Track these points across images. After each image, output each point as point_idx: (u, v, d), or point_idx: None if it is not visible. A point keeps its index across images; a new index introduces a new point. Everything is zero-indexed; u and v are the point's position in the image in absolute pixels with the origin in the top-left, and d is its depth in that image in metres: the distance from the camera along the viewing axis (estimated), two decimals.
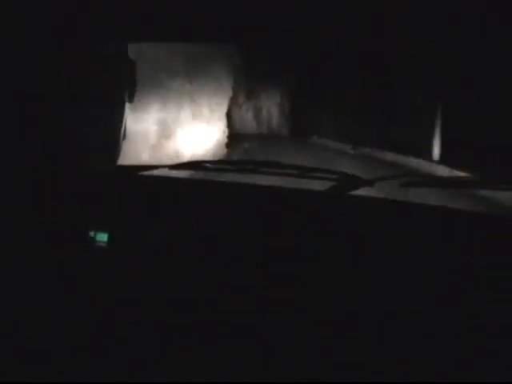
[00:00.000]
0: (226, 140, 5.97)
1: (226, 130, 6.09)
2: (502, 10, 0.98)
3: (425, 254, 1.01)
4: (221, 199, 1.22)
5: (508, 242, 1.01)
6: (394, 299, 0.99)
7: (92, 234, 1.16)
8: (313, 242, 1.07)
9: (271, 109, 10.07)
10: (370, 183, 1.25)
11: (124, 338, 1.05)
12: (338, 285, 1.01)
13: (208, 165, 1.39)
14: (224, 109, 5.94)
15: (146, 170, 1.37)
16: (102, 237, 1.15)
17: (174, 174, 1.43)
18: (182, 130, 5.08)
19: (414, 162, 6.99)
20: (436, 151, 7.11)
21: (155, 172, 1.38)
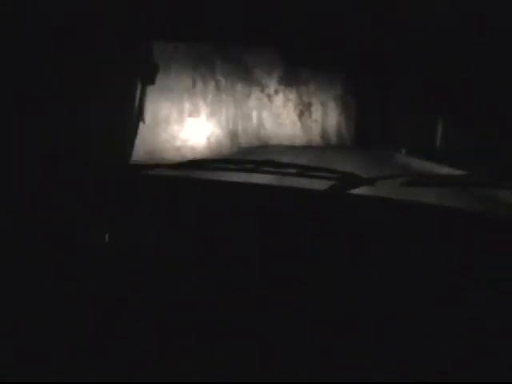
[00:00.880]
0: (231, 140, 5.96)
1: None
2: None
3: (425, 253, 1.02)
4: (221, 198, 1.22)
5: (508, 242, 1.02)
6: (394, 298, 0.99)
7: (92, 233, 1.16)
8: (313, 241, 1.08)
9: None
10: (370, 182, 1.26)
11: (124, 337, 1.05)
12: (338, 284, 1.02)
13: (209, 164, 1.40)
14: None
15: (147, 169, 1.37)
16: (103, 237, 1.15)
17: (175, 172, 1.43)
18: (198, 128, 5.06)
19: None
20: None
21: (156, 171, 1.38)
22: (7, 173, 1.25)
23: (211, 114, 5.16)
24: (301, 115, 9.63)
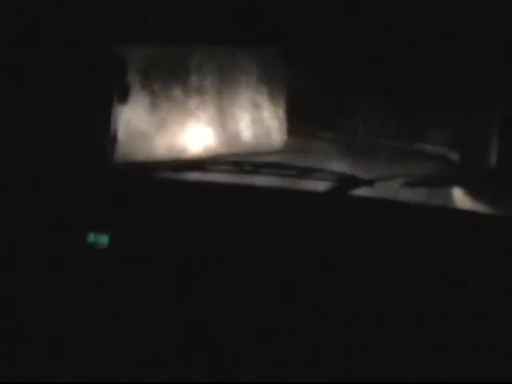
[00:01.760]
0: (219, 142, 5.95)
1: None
2: None
3: (425, 254, 1.02)
4: (220, 200, 1.22)
5: (508, 242, 1.02)
6: (394, 299, 0.99)
7: (92, 236, 1.16)
8: (313, 243, 1.08)
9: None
10: (369, 183, 1.26)
11: (124, 338, 1.05)
12: (338, 285, 1.02)
13: (208, 165, 1.40)
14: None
15: (147, 171, 1.37)
16: (103, 239, 1.15)
17: (175, 174, 1.43)
18: (176, 130, 5.05)
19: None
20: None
21: (155, 173, 1.38)
22: None
23: (189, 118, 5.17)
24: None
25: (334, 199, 1.24)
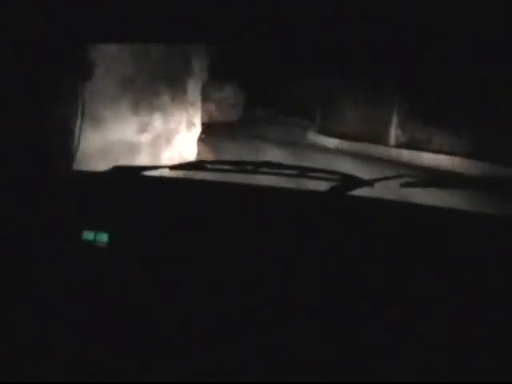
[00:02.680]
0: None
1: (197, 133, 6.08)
2: None
3: (425, 254, 1.01)
4: (220, 200, 1.22)
5: (508, 242, 1.02)
6: (394, 299, 0.99)
7: (92, 234, 1.16)
8: (312, 243, 1.07)
9: None
10: (369, 183, 1.26)
11: (124, 338, 1.05)
12: (338, 285, 1.01)
13: (208, 165, 1.39)
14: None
15: (146, 171, 1.37)
16: (102, 237, 1.15)
17: (174, 174, 1.43)
18: (146, 133, 5.01)
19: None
20: None
21: (155, 172, 1.38)
22: None
23: (153, 117, 5.15)
24: None
25: (334, 199, 1.24)
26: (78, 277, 1.13)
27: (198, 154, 6.06)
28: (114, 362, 1.02)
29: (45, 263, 1.16)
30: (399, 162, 8.05)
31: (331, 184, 1.25)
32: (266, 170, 1.33)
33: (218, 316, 1.03)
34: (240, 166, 1.37)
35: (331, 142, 10.00)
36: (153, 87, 4.84)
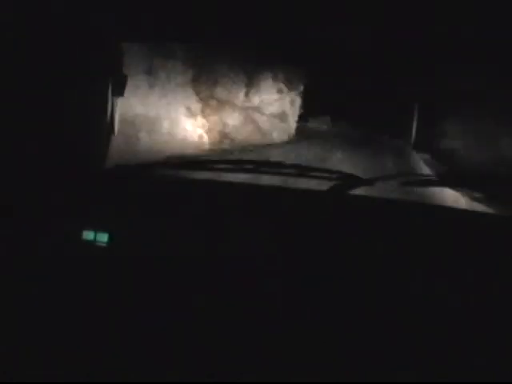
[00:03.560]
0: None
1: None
2: None
3: (425, 253, 1.02)
4: (221, 199, 1.22)
5: (508, 242, 1.02)
6: (394, 299, 0.99)
7: (92, 234, 1.16)
8: (312, 242, 1.07)
9: None
10: (369, 183, 1.26)
11: (124, 338, 1.05)
12: (338, 285, 1.01)
13: (208, 164, 1.39)
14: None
15: (146, 170, 1.37)
16: (102, 237, 1.15)
17: (174, 173, 1.43)
18: (170, 126, 5.01)
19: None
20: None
21: (155, 171, 1.38)
22: None
23: (187, 116, 5.14)
24: None
25: (334, 199, 1.24)
26: (78, 277, 1.13)
27: None
28: (114, 362, 1.02)
29: (45, 263, 1.16)
30: None
31: (331, 184, 1.25)
32: (266, 169, 1.33)
33: (218, 316, 1.03)
34: (240, 166, 1.37)
35: None
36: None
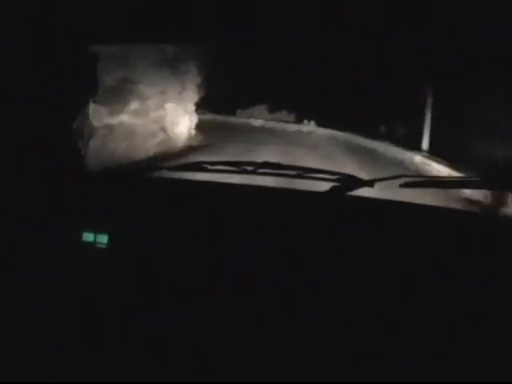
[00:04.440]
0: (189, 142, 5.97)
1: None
2: None
3: (425, 254, 1.02)
4: (220, 200, 1.22)
5: (508, 242, 1.02)
6: (394, 299, 0.99)
7: (92, 235, 1.16)
8: (312, 243, 1.07)
9: None
10: (369, 184, 1.26)
11: (124, 338, 1.05)
12: (338, 285, 1.01)
13: (207, 166, 1.39)
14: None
15: (145, 171, 1.37)
16: (102, 238, 1.15)
17: (174, 174, 1.43)
18: (148, 129, 5.01)
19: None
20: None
21: (154, 173, 1.38)
22: None
23: (163, 118, 5.15)
24: None
25: (334, 199, 1.24)
26: (78, 278, 1.13)
27: None
28: (114, 362, 1.02)
29: (44, 264, 1.16)
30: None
31: (331, 184, 1.25)
32: (265, 170, 1.33)
33: (218, 316, 1.03)
34: (240, 167, 1.36)
35: None
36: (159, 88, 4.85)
